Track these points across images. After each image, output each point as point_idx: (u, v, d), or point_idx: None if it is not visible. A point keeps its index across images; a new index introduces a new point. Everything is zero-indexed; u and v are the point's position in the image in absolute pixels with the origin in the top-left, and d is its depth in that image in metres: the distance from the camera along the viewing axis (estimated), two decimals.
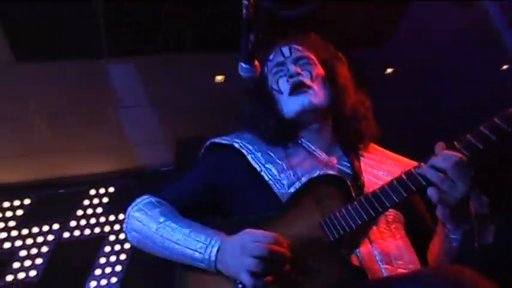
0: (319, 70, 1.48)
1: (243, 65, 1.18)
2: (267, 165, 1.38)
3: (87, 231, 4.04)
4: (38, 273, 3.81)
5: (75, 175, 4.18)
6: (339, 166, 1.40)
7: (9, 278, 3.72)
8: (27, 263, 3.81)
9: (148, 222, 1.31)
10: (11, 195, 3.94)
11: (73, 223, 4.02)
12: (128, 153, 4.24)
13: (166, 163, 4.51)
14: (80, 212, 4.08)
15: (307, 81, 1.42)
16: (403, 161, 1.50)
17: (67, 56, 3.03)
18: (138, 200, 1.43)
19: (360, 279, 1.11)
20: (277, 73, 1.48)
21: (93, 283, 3.86)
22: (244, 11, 1.10)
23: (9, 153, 3.75)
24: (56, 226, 3.97)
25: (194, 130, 3.79)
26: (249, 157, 1.40)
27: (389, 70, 4.18)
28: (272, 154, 1.42)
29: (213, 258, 1.17)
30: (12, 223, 3.88)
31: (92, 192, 4.17)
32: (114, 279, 3.93)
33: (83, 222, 4.05)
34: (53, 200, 4.07)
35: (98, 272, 3.91)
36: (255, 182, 1.36)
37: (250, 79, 1.18)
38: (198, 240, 1.21)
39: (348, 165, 1.39)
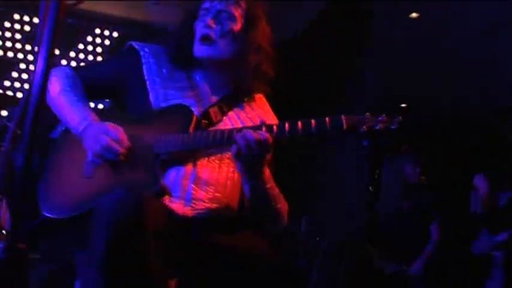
0: (235, 26, 1.65)
1: None
2: (155, 78, 1.67)
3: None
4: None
5: (85, 9, 4.31)
6: (209, 105, 1.67)
7: None
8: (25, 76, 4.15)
9: (56, 87, 1.67)
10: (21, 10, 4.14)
11: (72, 54, 4.28)
12: (141, 5, 4.32)
13: (175, 25, 4.61)
14: (81, 46, 4.31)
15: (214, 36, 1.63)
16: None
17: None
18: (61, 68, 1.78)
19: (149, 184, 1.51)
20: (201, 17, 1.68)
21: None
22: None
23: None
24: (56, 52, 4.23)
25: None
26: (144, 66, 1.69)
27: (414, 15, 4.09)
28: (165, 72, 1.69)
29: (79, 131, 1.58)
30: (18, 35, 4.13)
31: (97, 31, 4.35)
32: None
33: (81, 56, 4.30)
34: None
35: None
36: (140, 88, 1.68)
37: None
38: (77, 115, 1.61)
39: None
